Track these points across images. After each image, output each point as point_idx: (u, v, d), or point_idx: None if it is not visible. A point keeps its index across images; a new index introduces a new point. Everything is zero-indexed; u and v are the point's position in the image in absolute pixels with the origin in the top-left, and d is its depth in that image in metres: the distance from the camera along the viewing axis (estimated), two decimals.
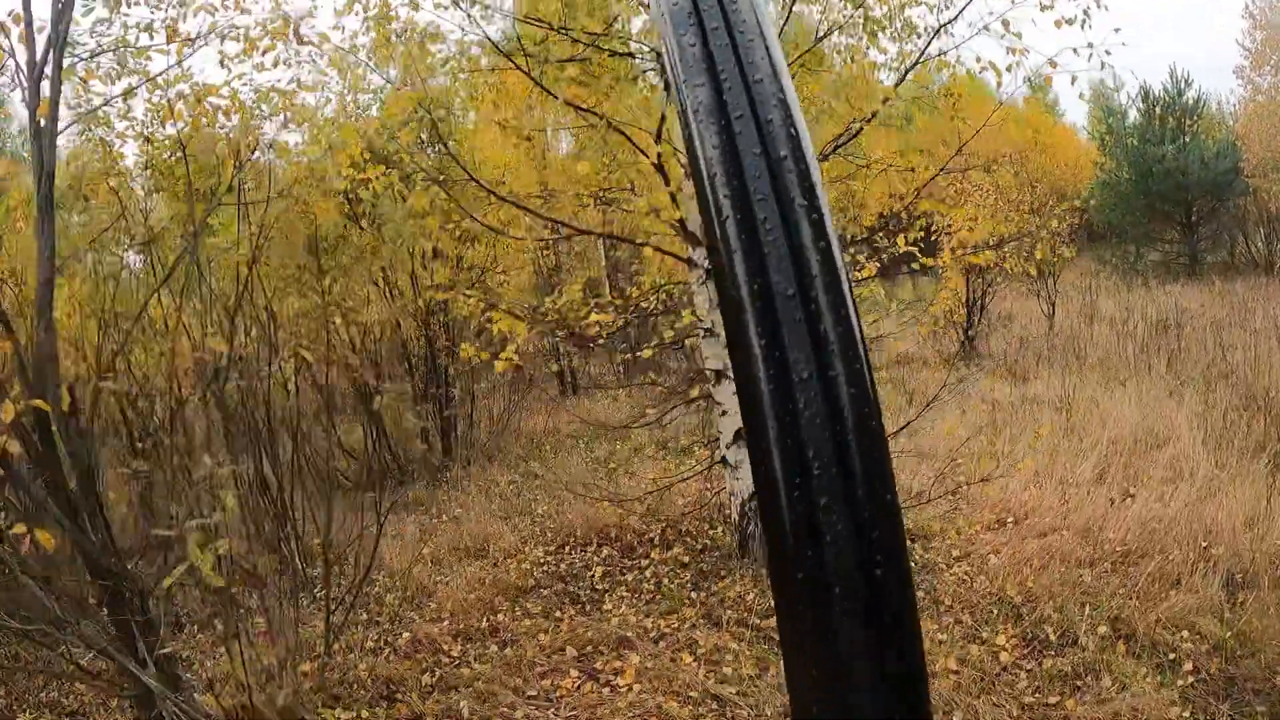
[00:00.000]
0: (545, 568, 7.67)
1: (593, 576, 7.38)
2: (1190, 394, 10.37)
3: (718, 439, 7.16)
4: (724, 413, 6.94)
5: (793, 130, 0.79)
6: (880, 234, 7.30)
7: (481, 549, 8.20)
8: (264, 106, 6.64)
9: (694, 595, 6.69)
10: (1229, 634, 5.29)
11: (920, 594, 6.27)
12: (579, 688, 5.75)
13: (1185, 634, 5.42)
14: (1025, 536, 6.96)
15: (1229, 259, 25.72)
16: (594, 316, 6.85)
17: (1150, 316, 15.72)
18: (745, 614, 6.30)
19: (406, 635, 6.70)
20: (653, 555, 7.54)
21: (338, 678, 6.16)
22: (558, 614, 6.79)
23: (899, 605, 0.73)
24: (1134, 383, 11.29)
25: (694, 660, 5.82)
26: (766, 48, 0.82)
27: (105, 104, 5.98)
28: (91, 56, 5.80)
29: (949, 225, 11.63)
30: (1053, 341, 15.69)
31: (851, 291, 0.78)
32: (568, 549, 8.00)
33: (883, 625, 0.72)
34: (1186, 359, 12.50)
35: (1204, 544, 6.35)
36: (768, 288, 0.75)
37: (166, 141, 7.05)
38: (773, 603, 0.99)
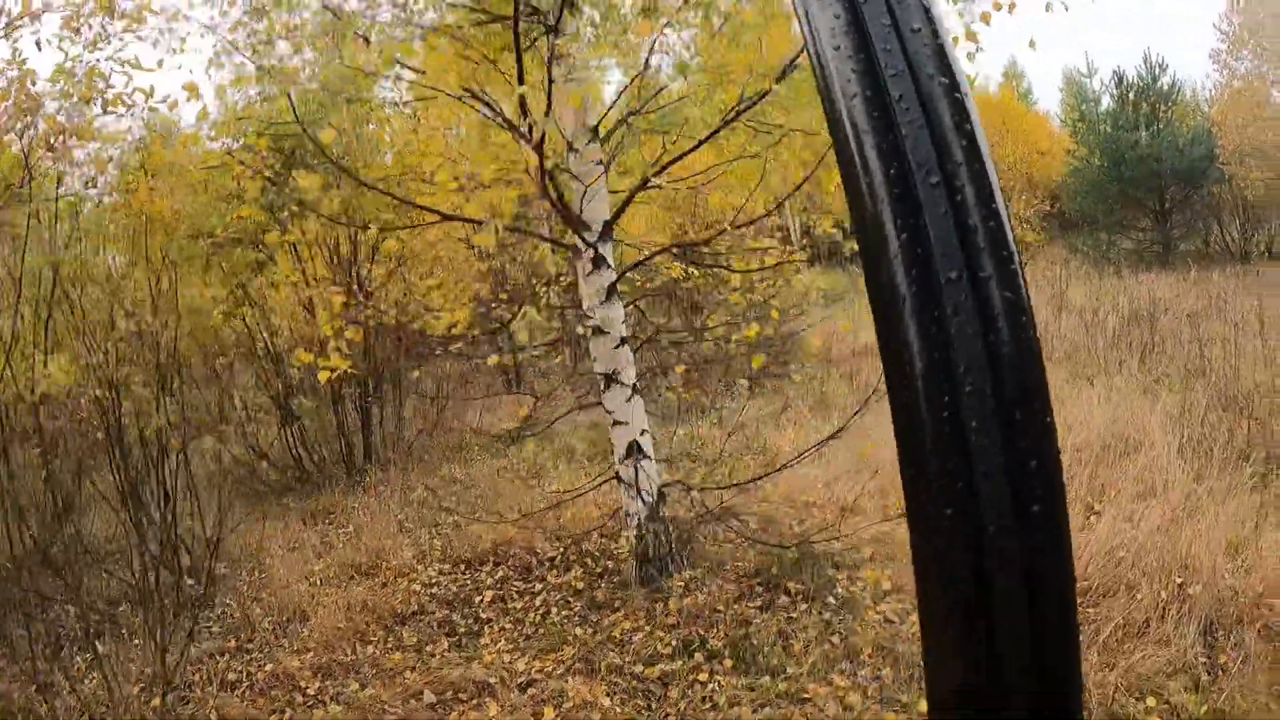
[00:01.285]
0: (435, 589, 6.45)
1: (481, 602, 6.15)
2: (1165, 393, 8.89)
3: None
4: (615, 423, 5.66)
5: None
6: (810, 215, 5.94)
7: (375, 566, 6.97)
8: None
9: (579, 631, 5.44)
10: (1204, 709, 4.01)
11: (835, 640, 4.98)
12: None
13: (1151, 702, 4.12)
14: None
15: (1203, 248, 23.86)
16: (447, 316, 5.57)
17: (1122, 307, 13.87)
18: (628, 659, 5.05)
19: (269, 668, 5.56)
20: (549, 578, 6.30)
21: (189, 714, 5.12)
22: (429, 647, 5.61)
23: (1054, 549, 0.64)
24: (1103, 380, 9.83)
25: (557, 717, 4.60)
26: None
27: None
28: None
29: None
30: None
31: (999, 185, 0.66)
32: (463, 568, 6.75)
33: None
34: (1161, 354, 10.95)
35: (1179, 580, 4.97)
36: (906, 174, 0.65)
37: None
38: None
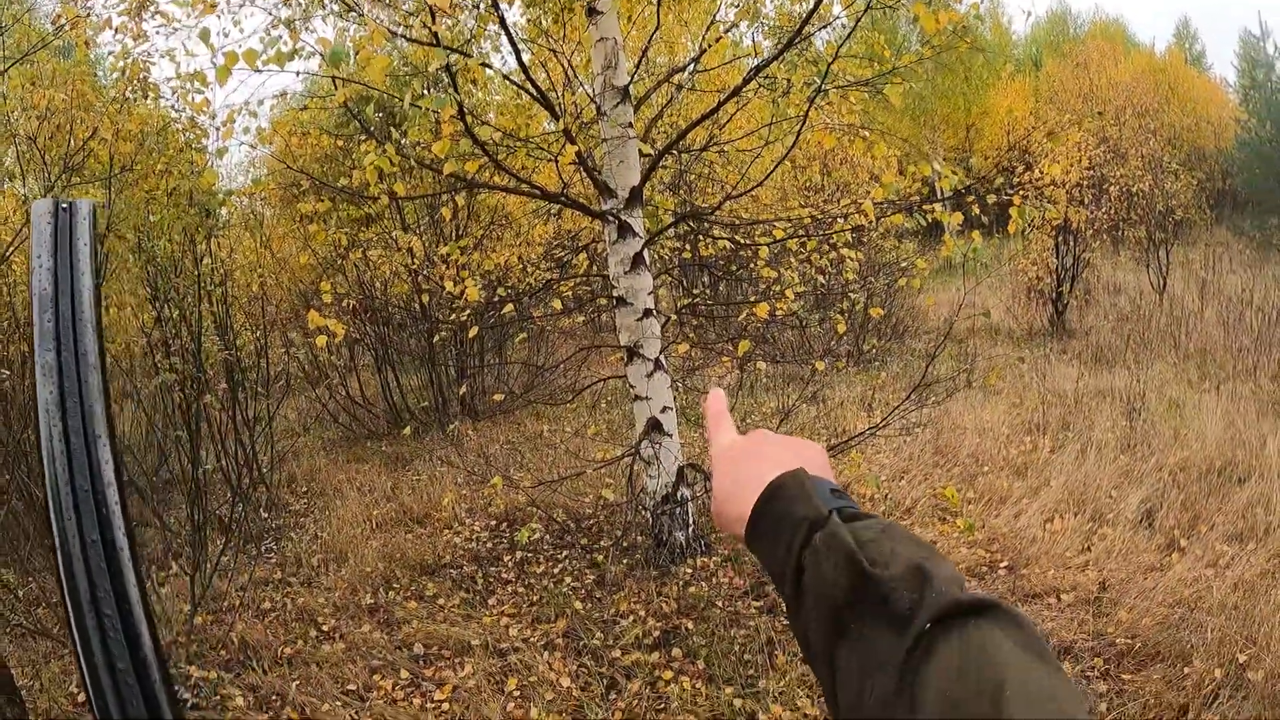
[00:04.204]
0: (472, 544, 6.37)
1: (508, 562, 6.02)
2: None
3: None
4: (636, 398, 5.34)
5: None
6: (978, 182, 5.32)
7: (427, 515, 6.97)
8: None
9: (578, 606, 5.19)
10: None
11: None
12: (393, 690, 4.55)
13: None
14: (1008, 595, 4.93)
15: None
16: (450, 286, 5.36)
17: (1274, 303, 11.79)
18: (610, 642, 4.77)
19: (300, 601, 5.66)
20: (579, 545, 6.08)
21: (218, 635, 5.27)
22: (442, 600, 5.53)
23: None
24: (1230, 387, 8.61)
25: (516, 689, 4.40)
26: None
27: None
28: None
29: (1035, 177, 9.16)
30: (1156, 323, 12.28)
31: None
32: (504, 526, 6.64)
33: None
34: None
35: (1242, 657, 4.07)
36: None
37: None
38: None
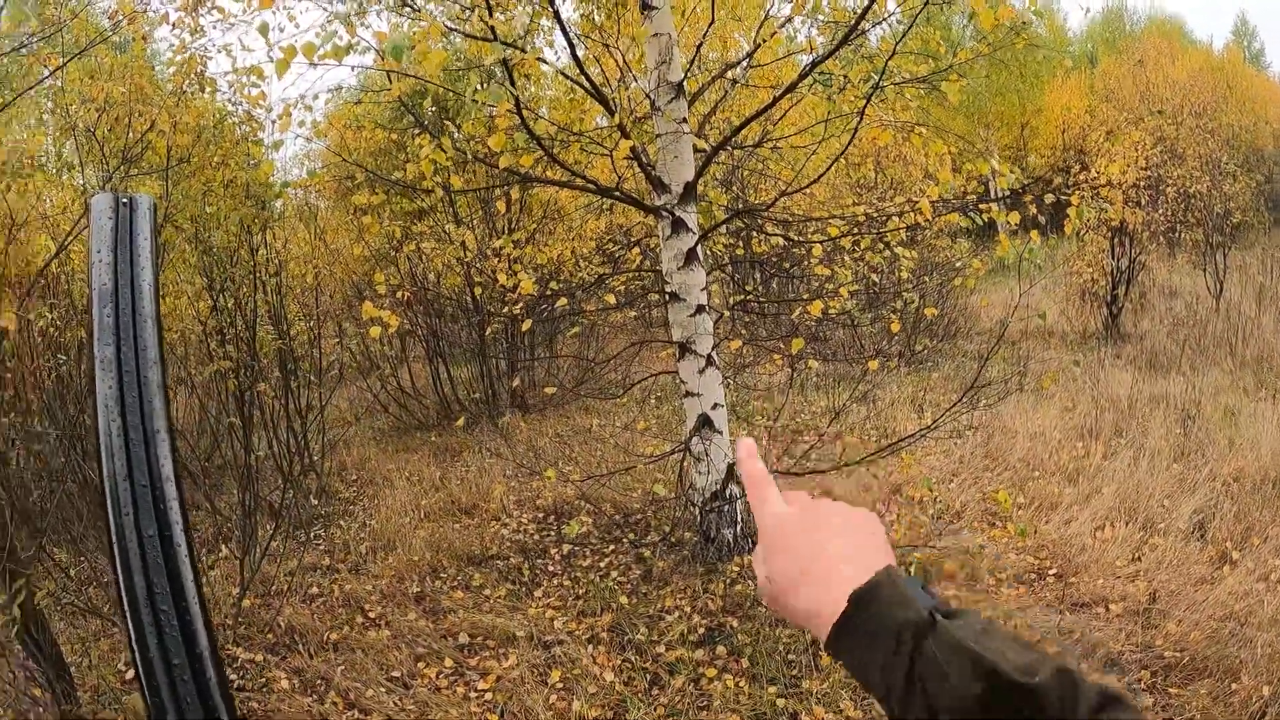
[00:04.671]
0: (519, 536, 6.40)
1: (554, 555, 6.04)
2: None
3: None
4: (687, 394, 5.31)
5: None
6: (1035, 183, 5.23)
7: (475, 506, 7.02)
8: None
9: (624, 600, 5.18)
10: None
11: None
12: (437, 679, 4.59)
13: None
14: (1056, 604, 4.84)
15: None
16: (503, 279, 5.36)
17: None
18: (654, 637, 4.75)
19: (348, 588, 5.72)
20: (625, 540, 6.07)
21: (265, 619, 5.36)
22: (488, 591, 5.56)
23: None
24: None
25: (559, 681, 4.40)
26: None
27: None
28: None
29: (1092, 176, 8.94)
30: (1212, 328, 11.90)
31: None
32: (552, 519, 6.66)
33: None
34: None
35: None
36: None
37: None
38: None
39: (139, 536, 0.75)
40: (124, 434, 0.79)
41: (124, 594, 0.73)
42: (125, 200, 0.86)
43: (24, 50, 5.14)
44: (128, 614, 0.73)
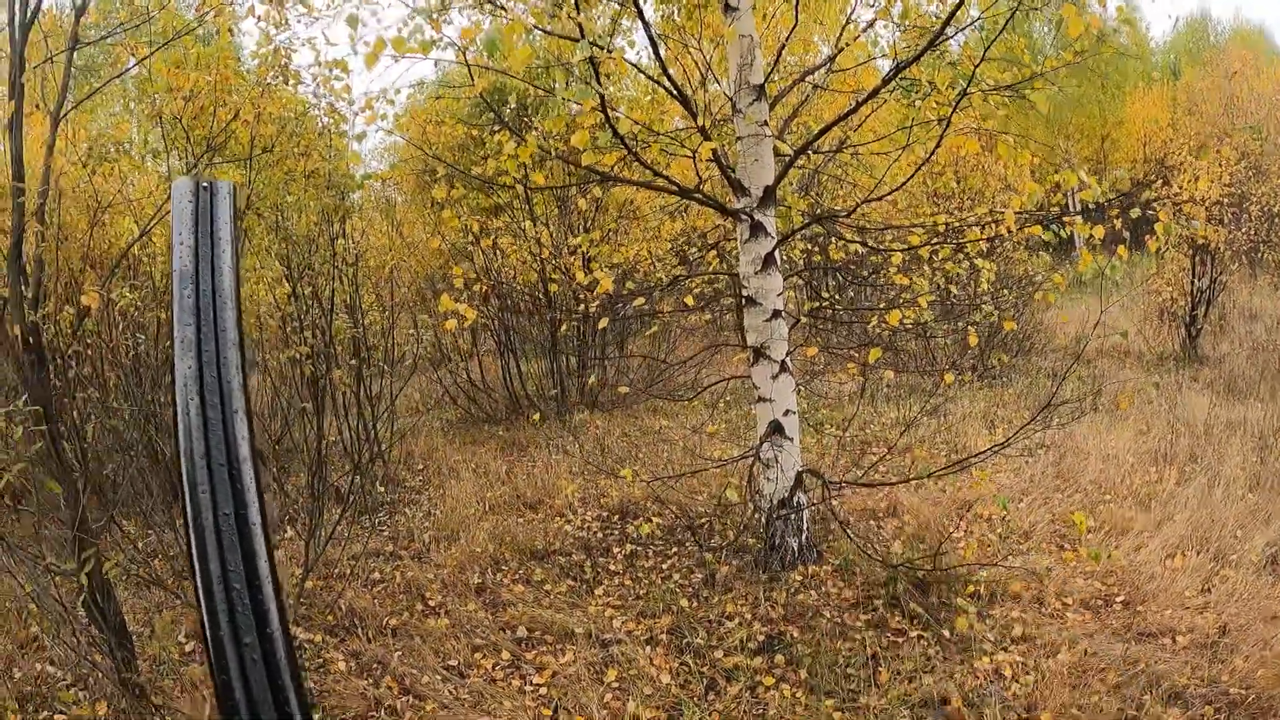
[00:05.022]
0: (582, 533, 6.41)
1: (617, 554, 6.04)
2: None
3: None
4: (759, 399, 5.27)
5: None
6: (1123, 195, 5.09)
7: (540, 501, 7.05)
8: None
9: (684, 604, 5.15)
10: None
11: (928, 680, 4.30)
12: (493, 670, 4.63)
13: None
14: (1122, 632, 4.67)
15: None
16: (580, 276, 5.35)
17: None
18: (713, 642, 4.72)
19: (410, 575, 5.80)
20: (687, 543, 6.04)
21: (327, 601, 5.46)
22: (549, 586, 5.58)
23: None
24: None
25: (615, 680, 4.40)
26: None
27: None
28: None
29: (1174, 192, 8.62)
30: None
31: None
32: (617, 518, 6.66)
33: None
34: None
35: None
36: None
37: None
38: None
39: (215, 515, 0.76)
40: (202, 413, 0.80)
41: (198, 572, 0.73)
42: (206, 185, 0.88)
43: (111, 40, 5.28)
44: (200, 592, 0.73)
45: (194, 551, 0.75)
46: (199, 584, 0.74)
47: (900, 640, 4.66)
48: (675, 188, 5.04)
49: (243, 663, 0.72)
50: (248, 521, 0.77)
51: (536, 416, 7.60)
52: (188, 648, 4.91)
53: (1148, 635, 4.65)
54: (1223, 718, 3.91)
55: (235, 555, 0.74)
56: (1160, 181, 7.18)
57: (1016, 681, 4.23)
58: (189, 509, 0.76)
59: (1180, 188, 8.80)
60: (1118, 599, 5.05)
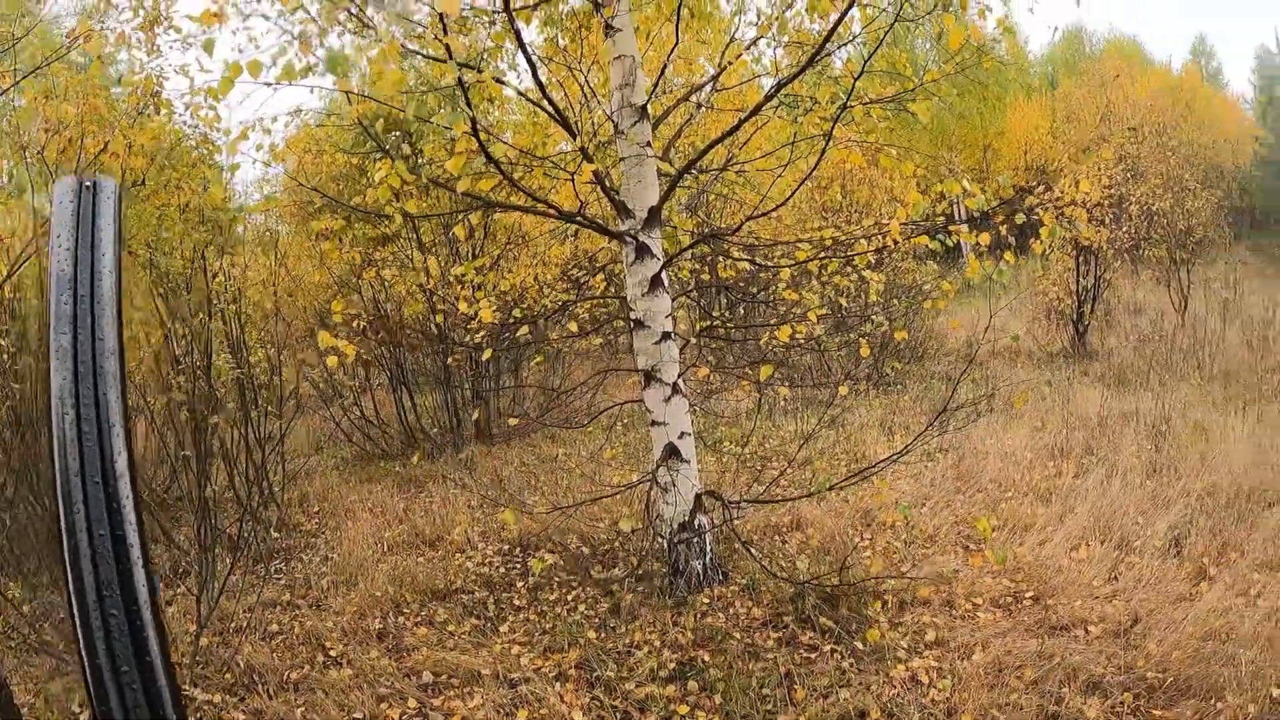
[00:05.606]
0: (484, 569, 6.23)
1: (520, 588, 5.89)
2: None
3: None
4: (653, 423, 5.20)
5: None
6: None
7: (439, 538, 6.85)
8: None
9: (592, 635, 5.04)
10: None
11: (845, 695, 4.28)
12: None
13: None
14: (1035, 628, 4.74)
15: None
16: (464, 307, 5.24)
17: None
18: (624, 673, 4.61)
19: (309, 625, 5.53)
20: (592, 573, 5.93)
21: (223, 657, 5.14)
22: (453, 627, 5.39)
23: None
24: (1257, 409, 8.39)
25: None
26: None
27: None
28: None
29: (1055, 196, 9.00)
30: (1179, 343, 12.00)
31: None
32: (518, 551, 6.50)
33: None
34: None
35: (1276, 692, 3.87)
36: None
37: None
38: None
39: (90, 535, 0.72)
40: (77, 426, 0.76)
41: (72, 595, 0.69)
42: (89, 184, 0.84)
43: None
44: (75, 616, 0.69)
45: (69, 574, 0.71)
46: (74, 610, 0.71)
47: (813, 656, 4.64)
48: (555, 212, 4.95)
49: (121, 692, 0.69)
50: (125, 542, 0.73)
51: (415, 458, 7.39)
52: (82, 717, 4.61)
53: (1060, 628, 4.74)
54: (1142, 704, 3.98)
55: (112, 577, 0.71)
56: (1042, 187, 7.43)
57: (934, 687, 4.25)
58: (63, 529, 0.72)
59: (1062, 191, 9.13)
60: (1027, 595, 5.14)
